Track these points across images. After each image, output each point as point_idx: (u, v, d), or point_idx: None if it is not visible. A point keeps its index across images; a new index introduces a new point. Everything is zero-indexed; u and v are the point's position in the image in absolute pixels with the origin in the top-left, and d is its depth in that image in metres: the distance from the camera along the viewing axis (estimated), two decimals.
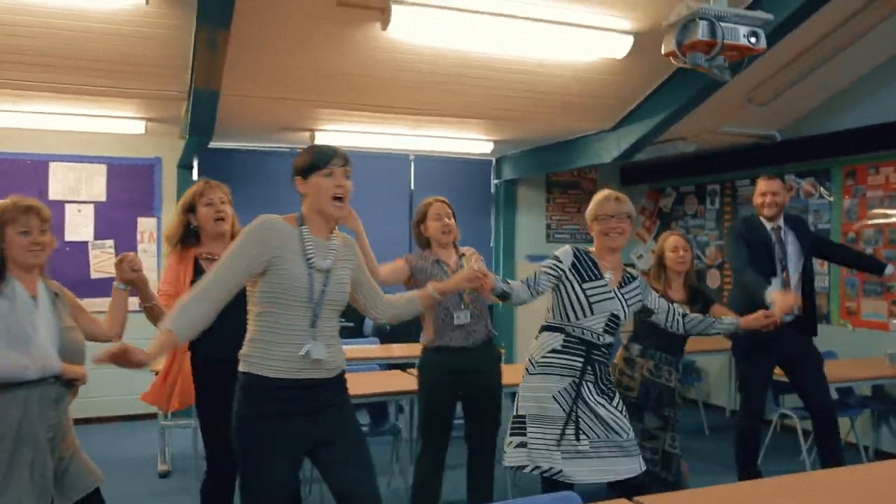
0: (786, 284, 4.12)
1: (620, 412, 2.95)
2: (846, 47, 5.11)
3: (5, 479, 2.46)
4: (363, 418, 4.28)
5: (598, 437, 2.87)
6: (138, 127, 5.78)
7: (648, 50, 4.64)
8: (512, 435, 2.95)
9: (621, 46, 4.61)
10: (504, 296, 2.89)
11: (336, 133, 6.23)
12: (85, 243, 6.37)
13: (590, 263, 3.00)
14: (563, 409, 2.86)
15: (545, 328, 3.02)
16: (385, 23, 4.12)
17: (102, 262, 6.40)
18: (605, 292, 2.95)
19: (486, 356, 3.60)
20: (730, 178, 6.97)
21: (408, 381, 4.31)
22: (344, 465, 2.42)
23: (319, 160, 2.43)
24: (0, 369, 2.45)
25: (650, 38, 4.55)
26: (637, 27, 4.50)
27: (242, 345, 2.46)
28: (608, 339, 2.97)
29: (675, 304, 3.27)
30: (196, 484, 4.44)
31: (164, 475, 4.89)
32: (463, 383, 3.53)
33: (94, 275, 6.38)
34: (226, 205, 3.24)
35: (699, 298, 3.94)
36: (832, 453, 4.06)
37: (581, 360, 2.90)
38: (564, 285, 2.95)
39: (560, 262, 2.98)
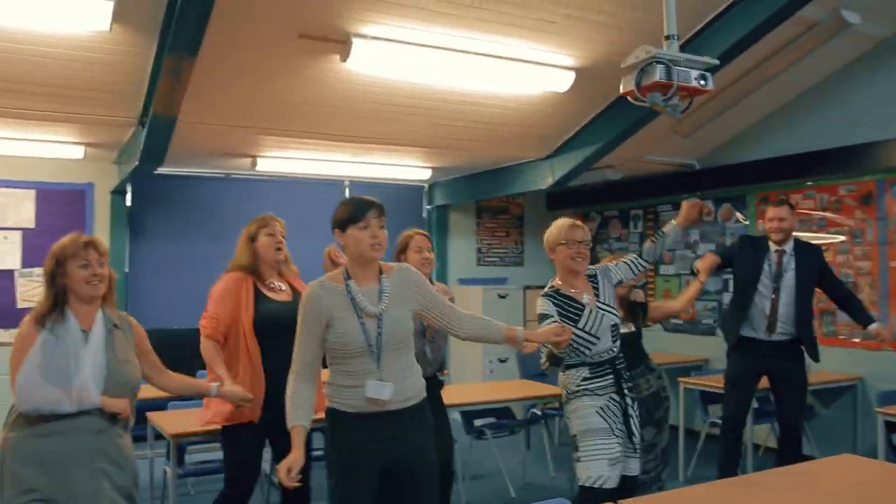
0: (773, 306, 4.39)
1: (636, 418, 3.26)
2: (759, 87, 5.60)
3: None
4: None
5: (624, 443, 3.19)
6: (77, 152, 5.67)
7: (587, 84, 4.97)
8: (574, 451, 3.20)
9: (564, 81, 4.91)
10: (559, 361, 3.10)
11: (277, 159, 6.29)
12: (11, 271, 6.15)
13: (568, 301, 3.21)
14: (606, 422, 3.14)
15: (568, 367, 3.24)
16: (344, 55, 4.25)
17: (30, 290, 6.19)
18: (596, 317, 3.20)
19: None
20: (652, 204, 7.39)
21: None
22: (408, 491, 2.60)
23: (356, 214, 2.59)
24: (34, 401, 2.60)
25: (590, 74, 4.88)
26: (579, 63, 4.79)
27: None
28: (618, 345, 3.26)
29: (629, 258, 3.45)
30: None
31: None
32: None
33: (20, 304, 6.15)
34: (283, 238, 3.48)
35: (637, 309, 4.28)
36: (787, 456, 4.32)
37: (611, 376, 3.19)
38: None
39: (551, 316, 3.13)
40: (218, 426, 3.35)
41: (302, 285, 3.48)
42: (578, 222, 3.43)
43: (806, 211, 5.99)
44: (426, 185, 8.01)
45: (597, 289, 3.31)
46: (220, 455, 4.27)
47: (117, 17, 3.63)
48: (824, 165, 5.78)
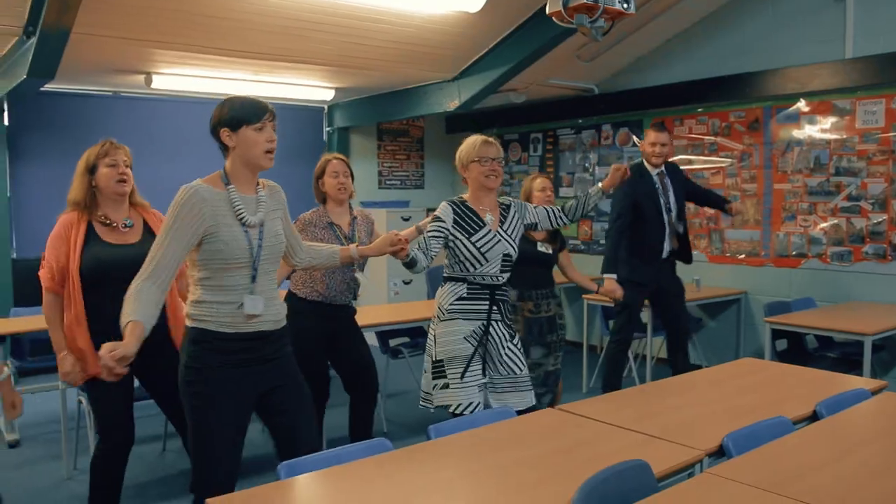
0: (670, 225, 4.71)
1: (518, 349, 3.24)
2: (658, 14, 5.75)
3: None
4: None
5: (499, 374, 3.16)
6: None
7: (498, 4, 4.96)
8: (435, 378, 3.12)
9: (476, 1, 4.87)
10: (412, 263, 2.99)
11: (172, 77, 5.96)
12: None
13: (469, 213, 3.15)
14: (474, 349, 3.10)
15: (448, 279, 3.20)
16: None
17: None
18: (492, 239, 3.13)
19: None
20: (552, 127, 7.54)
21: None
22: (285, 414, 2.52)
23: (252, 114, 2.41)
24: None
25: None
26: None
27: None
28: (506, 276, 3.21)
29: (551, 208, 3.44)
30: (57, 449, 4.30)
31: (13, 445, 4.59)
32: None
33: None
34: (128, 168, 3.10)
35: (557, 236, 4.39)
36: (683, 365, 4.75)
37: (486, 302, 3.13)
38: (454, 242, 3.11)
39: (443, 221, 3.10)
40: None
41: (158, 220, 3.16)
42: (491, 139, 3.34)
43: (698, 136, 6.29)
44: (326, 107, 7.83)
45: (505, 217, 3.25)
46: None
47: None
48: (716, 92, 6.05)
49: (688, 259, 4.89)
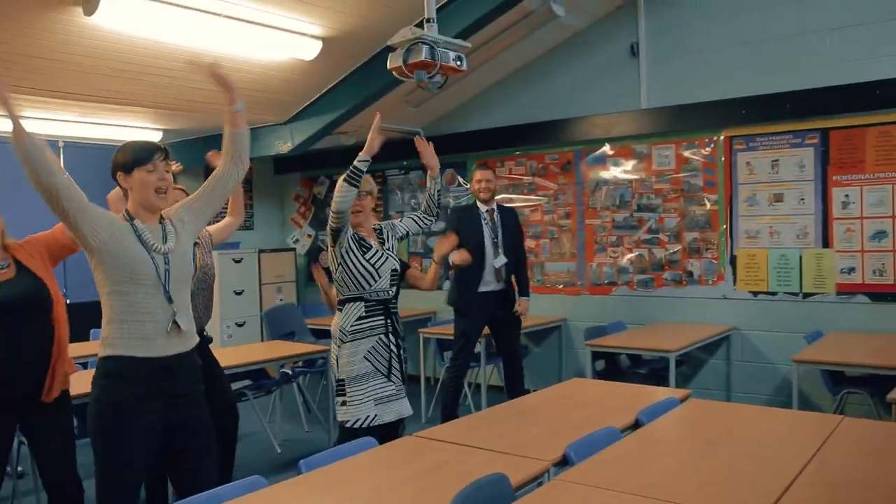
0: (493, 258, 5.12)
1: (404, 360, 3.53)
2: (481, 64, 6.23)
3: None
4: None
5: (397, 381, 3.45)
6: None
7: (332, 53, 5.21)
8: (338, 395, 3.38)
9: (311, 49, 5.08)
10: (356, 176, 3.32)
11: None
12: None
13: (359, 238, 3.47)
14: (373, 365, 3.36)
15: (345, 300, 3.41)
16: (89, 9, 4.02)
17: None
18: (380, 257, 3.47)
19: None
20: (381, 168, 7.82)
21: None
22: (189, 455, 2.61)
23: (142, 156, 2.53)
24: None
25: (336, 43, 5.12)
26: (326, 33, 5.00)
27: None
28: (394, 290, 3.51)
29: (415, 214, 3.79)
30: None
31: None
32: None
33: None
34: None
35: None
36: (518, 389, 5.20)
37: (382, 317, 3.40)
38: (348, 256, 3.38)
39: (346, 230, 3.40)
40: None
41: (30, 255, 3.13)
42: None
43: (518, 176, 6.82)
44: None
45: (382, 240, 3.59)
46: None
47: None
48: (532, 136, 6.63)
49: (523, 291, 5.30)
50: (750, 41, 5.58)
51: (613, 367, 5.58)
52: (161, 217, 2.65)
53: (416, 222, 3.76)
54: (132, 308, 2.48)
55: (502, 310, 5.23)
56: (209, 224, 3.35)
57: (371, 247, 3.50)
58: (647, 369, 5.53)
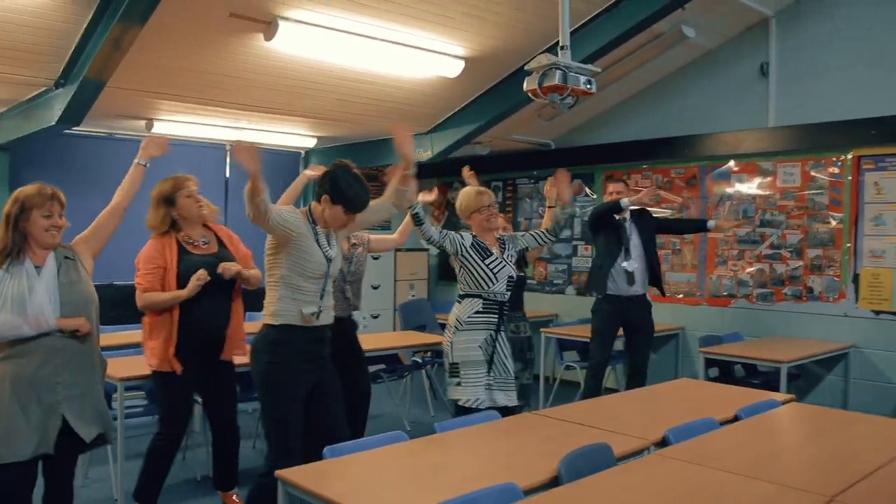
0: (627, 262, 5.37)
1: (511, 356, 3.93)
2: (608, 84, 6.56)
3: (9, 416, 2.88)
4: None
5: (500, 375, 3.82)
6: None
7: (472, 71, 5.70)
8: (450, 377, 3.80)
9: (454, 68, 5.60)
10: (418, 218, 3.67)
11: (170, 123, 6.52)
12: None
13: (481, 245, 3.90)
14: (484, 356, 3.77)
15: (465, 296, 3.88)
16: (269, 35, 4.69)
17: None
18: (499, 263, 3.86)
19: None
20: (511, 177, 8.28)
21: None
22: (326, 407, 3.20)
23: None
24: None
25: (476, 63, 5.61)
26: (469, 54, 5.50)
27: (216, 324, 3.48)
28: (509, 294, 3.91)
29: (536, 231, 4.18)
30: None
31: None
32: None
33: None
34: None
35: (522, 260, 5.04)
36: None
37: (496, 316, 3.82)
38: (469, 260, 3.81)
39: (463, 239, 3.84)
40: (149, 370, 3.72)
41: (228, 236, 3.89)
42: (482, 189, 4.10)
43: (643, 189, 7.08)
44: (304, 152, 8.44)
45: (503, 248, 4.01)
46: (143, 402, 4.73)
47: None
48: (659, 151, 6.88)
49: (660, 291, 5.62)
50: (882, 61, 5.64)
51: (727, 376, 5.77)
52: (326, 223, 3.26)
53: (536, 238, 4.13)
54: (298, 290, 3.11)
55: (634, 315, 5.45)
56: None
57: (492, 254, 3.88)
58: (760, 380, 5.69)
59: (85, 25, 4.35)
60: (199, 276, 3.54)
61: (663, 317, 6.85)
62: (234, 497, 4.03)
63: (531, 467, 2.50)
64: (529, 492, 2.29)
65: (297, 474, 2.41)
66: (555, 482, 2.39)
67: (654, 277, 5.54)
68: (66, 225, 3.07)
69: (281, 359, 3.10)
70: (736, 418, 3.28)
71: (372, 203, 3.42)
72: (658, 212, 6.94)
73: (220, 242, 3.83)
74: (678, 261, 6.84)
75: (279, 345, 3.11)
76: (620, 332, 5.56)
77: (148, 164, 3.38)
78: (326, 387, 3.23)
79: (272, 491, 2.69)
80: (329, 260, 3.20)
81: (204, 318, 3.66)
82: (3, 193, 6.46)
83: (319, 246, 3.15)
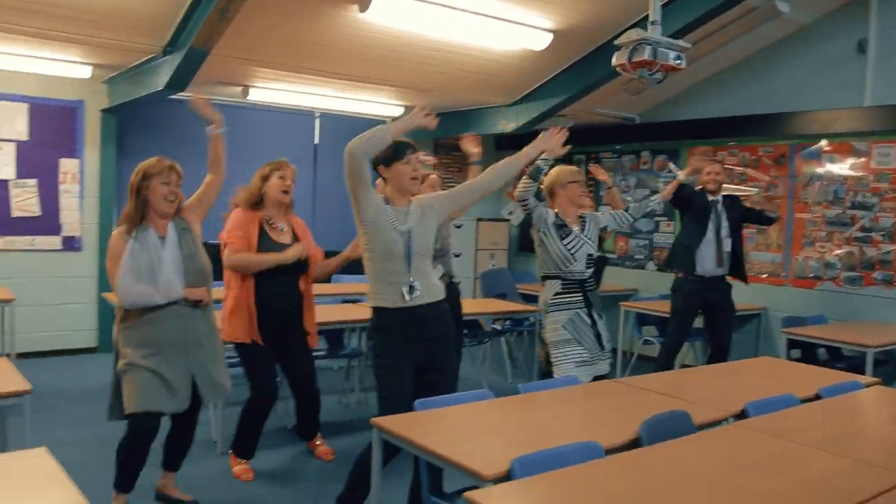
0: (719, 246, 5.38)
1: (604, 328, 4.02)
2: (697, 59, 6.48)
3: (139, 378, 3.15)
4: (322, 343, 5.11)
5: (593, 349, 3.93)
6: (84, 71, 6.00)
7: (559, 44, 5.73)
8: (549, 357, 3.97)
9: (542, 41, 5.64)
10: (537, 175, 3.79)
11: (265, 90, 6.77)
12: (6, 182, 6.44)
13: (562, 223, 3.98)
14: (571, 334, 3.88)
15: (546, 277, 4.00)
16: (364, 6, 4.84)
17: (24, 200, 6.52)
18: (577, 242, 3.95)
19: None
20: (595, 150, 8.27)
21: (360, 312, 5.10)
22: (434, 386, 3.20)
23: (398, 151, 3.19)
24: (131, 298, 3.18)
25: (564, 36, 5.63)
26: (557, 27, 5.52)
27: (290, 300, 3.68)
28: (590, 272, 4.01)
29: (616, 212, 4.27)
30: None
31: None
32: None
33: (14, 213, 6.48)
34: (293, 183, 3.97)
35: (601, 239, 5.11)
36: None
37: (579, 295, 3.92)
38: (548, 238, 3.90)
39: (547, 215, 3.94)
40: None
41: (303, 229, 4.08)
42: (573, 167, 4.21)
43: (729, 166, 6.99)
44: (389, 120, 8.60)
45: (583, 226, 4.07)
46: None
47: None
48: (747, 129, 6.77)
49: (742, 278, 5.58)
50: None
51: (810, 358, 5.71)
52: (409, 203, 3.26)
53: (615, 219, 4.21)
54: (384, 272, 3.16)
55: (716, 295, 5.47)
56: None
57: (571, 232, 3.96)
58: (845, 364, 5.59)
59: None
60: (298, 252, 3.78)
61: (746, 296, 6.77)
62: (317, 442, 4.36)
63: (612, 429, 2.61)
64: (611, 451, 2.39)
65: (390, 422, 2.58)
66: (635, 444, 2.49)
67: (737, 263, 5.52)
68: (182, 197, 3.31)
69: (380, 340, 3.20)
70: (817, 397, 3.30)
71: (467, 182, 3.50)
72: (742, 190, 6.85)
73: (295, 235, 4.02)
74: (763, 240, 6.74)
75: (377, 329, 3.21)
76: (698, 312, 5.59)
77: (221, 131, 3.45)
78: (436, 368, 3.24)
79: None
80: (404, 235, 3.16)
81: (279, 296, 3.92)
82: (110, 154, 6.86)
83: (394, 225, 3.15)
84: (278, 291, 3.90)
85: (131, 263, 3.16)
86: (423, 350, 3.20)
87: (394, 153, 3.18)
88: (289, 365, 4.12)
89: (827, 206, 6.31)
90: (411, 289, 3.14)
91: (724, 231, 5.42)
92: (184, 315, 3.26)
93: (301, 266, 3.96)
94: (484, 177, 3.44)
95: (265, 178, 3.91)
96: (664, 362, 5.51)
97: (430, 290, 3.22)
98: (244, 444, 4.03)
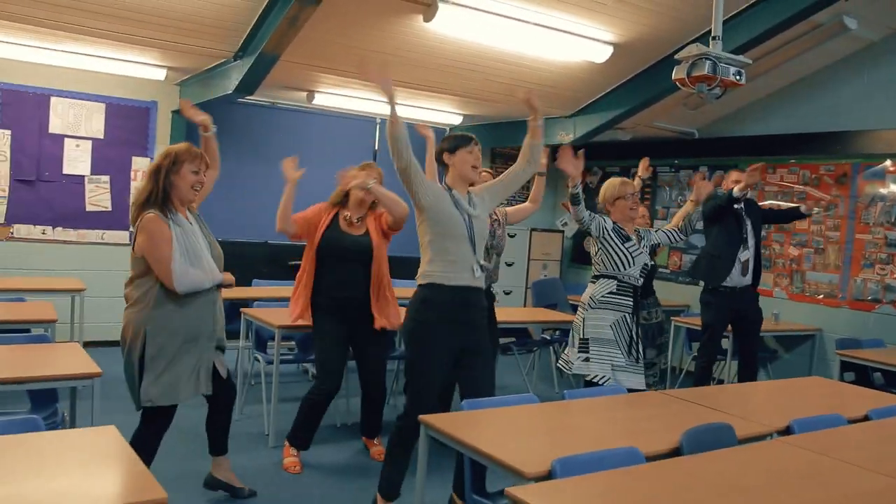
0: (746, 254, 5.37)
1: (641, 341, 4.03)
2: (759, 75, 6.43)
3: (172, 365, 3.25)
4: None
5: (630, 358, 3.94)
6: (159, 74, 6.28)
7: (619, 57, 5.76)
8: (580, 352, 3.93)
9: (603, 53, 5.68)
10: (577, 198, 3.83)
11: (329, 95, 6.96)
12: (82, 177, 6.76)
13: (622, 230, 4.04)
14: (615, 336, 3.90)
15: (599, 276, 4.04)
16: (429, 16, 4.95)
17: (98, 195, 6.83)
18: (637, 249, 4.00)
19: None
20: (652, 165, 8.19)
21: None
22: (473, 370, 3.35)
23: (463, 141, 3.40)
24: (190, 283, 3.24)
25: (624, 49, 5.67)
26: (617, 39, 5.57)
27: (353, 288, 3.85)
28: (642, 281, 4.04)
29: (669, 230, 4.27)
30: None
31: None
32: None
33: (89, 207, 6.80)
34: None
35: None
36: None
37: (630, 299, 3.96)
38: (609, 243, 3.95)
39: (605, 222, 4.00)
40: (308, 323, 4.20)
41: (374, 221, 4.23)
42: (625, 179, 4.24)
43: (789, 184, 6.92)
44: (448, 129, 8.73)
45: (641, 239, 4.11)
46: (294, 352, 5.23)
47: None
48: (808, 146, 6.69)
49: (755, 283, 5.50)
50: None
51: (864, 382, 5.60)
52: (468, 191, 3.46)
53: (668, 236, 4.22)
54: (445, 252, 3.30)
55: (746, 305, 5.42)
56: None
57: (631, 239, 4.02)
58: None
59: (265, 3, 4.78)
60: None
61: (799, 317, 6.70)
62: (375, 442, 4.46)
63: (654, 437, 2.65)
64: (651, 458, 2.44)
65: (438, 420, 2.67)
66: (675, 453, 2.54)
67: (757, 270, 5.49)
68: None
69: (423, 317, 3.29)
70: (866, 418, 3.28)
71: (508, 171, 3.64)
72: (778, 205, 6.75)
73: (371, 230, 4.21)
74: (820, 260, 6.65)
75: (424, 302, 3.31)
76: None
77: (212, 132, 3.61)
78: (475, 351, 3.35)
79: (406, 430, 2.98)
80: (469, 217, 3.33)
81: (341, 283, 4.12)
82: None
83: (458, 207, 3.31)
84: (339, 280, 4.11)
85: (180, 248, 3.16)
86: (462, 334, 3.31)
87: (459, 142, 3.43)
88: (358, 355, 4.30)
89: (889, 228, 6.19)
90: (481, 268, 3.33)
91: (751, 240, 5.40)
92: (215, 301, 3.38)
93: (362, 255, 4.14)
94: (519, 164, 3.61)
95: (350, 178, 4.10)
96: (703, 377, 5.50)
97: (480, 276, 3.37)
98: (300, 434, 4.17)
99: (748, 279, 5.40)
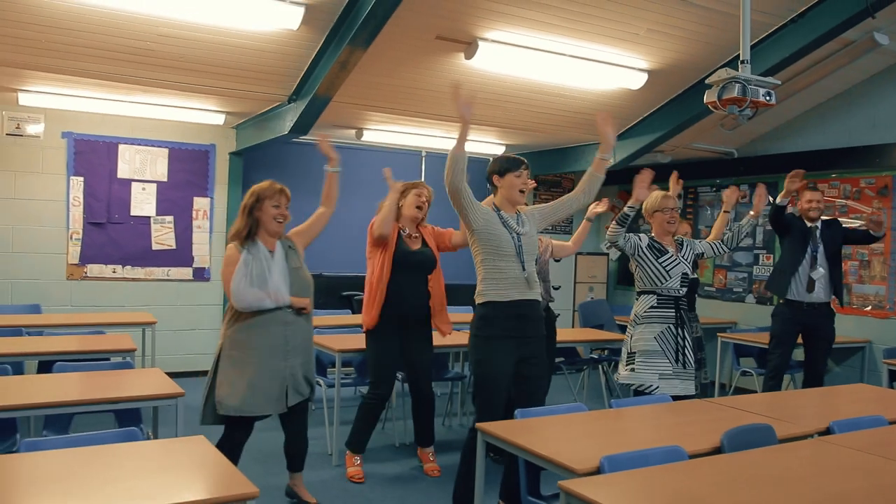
0: (812, 272, 5.45)
1: (691, 348, 4.20)
2: (794, 93, 6.58)
3: (252, 377, 3.56)
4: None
5: (677, 365, 4.10)
6: (218, 119, 6.69)
7: (654, 83, 5.97)
8: (627, 364, 4.13)
9: (638, 80, 5.91)
10: (624, 220, 4.03)
11: (377, 131, 7.30)
12: (147, 218, 7.18)
13: (658, 245, 4.22)
14: (661, 346, 4.08)
15: (641, 293, 4.23)
16: (470, 54, 5.25)
17: (162, 235, 7.24)
18: (673, 261, 4.16)
19: None
20: (693, 185, 8.39)
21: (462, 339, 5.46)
22: (529, 381, 3.57)
23: (514, 164, 3.66)
24: (246, 300, 3.56)
25: (659, 75, 5.88)
26: (652, 67, 5.79)
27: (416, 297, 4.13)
28: (685, 290, 4.19)
29: (713, 242, 4.46)
30: None
31: None
32: None
33: (155, 246, 7.21)
34: (428, 202, 4.54)
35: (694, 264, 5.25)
36: None
37: (673, 310, 4.13)
38: (644, 260, 4.14)
39: (640, 240, 4.18)
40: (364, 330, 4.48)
41: (430, 231, 4.56)
42: (668, 193, 4.44)
43: (830, 198, 7.00)
44: (491, 158, 9.00)
45: (680, 249, 4.30)
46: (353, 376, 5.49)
47: (305, 19, 4.63)
48: (848, 160, 6.78)
49: (839, 303, 5.61)
50: None
51: None
52: (516, 212, 3.69)
53: (713, 248, 4.40)
54: (496, 270, 3.53)
55: (814, 322, 5.50)
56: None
57: (667, 252, 4.19)
58: None
59: (316, 50, 5.12)
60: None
61: (848, 329, 6.74)
62: (429, 454, 4.68)
63: (696, 438, 2.83)
64: (694, 456, 2.62)
65: (493, 427, 2.89)
66: (717, 451, 2.71)
67: (836, 288, 5.54)
68: (289, 218, 3.74)
69: (486, 332, 3.53)
70: None
71: (563, 197, 3.87)
72: (848, 222, 6.84)
73: (425, 242, 4.54)
74: (866, 273, 6.70)
75: (483, 319, 3.54)
76: (800, 339, 5.60)
77: (338, 170, 4.01)
78: (530, 361, 3.56)
79: (476, 442, 3.19)
80: (518, 235, 3.54)
81: (404, 293, 4.38)
82: (237, 192, 7.52)
83: (506, 227, 3.53)
84: (405, 290, 4.37)
85: (245, 270, 3.54)
86: (521, 346, 3.53)
87: (509, 165, 3.67)
88: (409, 361, 4.54)
89: None
90: (528, 282, 3.53)
91: (820, 258, 5.48)
92: (288, 322, 3.64)
93: (426, 267, 4.45)
94: (576, 192, 3.84)
95: (402, 195, 4.45)
96: (771, 388, 5.56)
97: (533, 289, 3.58)
98: (357, 437, 4.49)
99: (817, 296, 5.43)
